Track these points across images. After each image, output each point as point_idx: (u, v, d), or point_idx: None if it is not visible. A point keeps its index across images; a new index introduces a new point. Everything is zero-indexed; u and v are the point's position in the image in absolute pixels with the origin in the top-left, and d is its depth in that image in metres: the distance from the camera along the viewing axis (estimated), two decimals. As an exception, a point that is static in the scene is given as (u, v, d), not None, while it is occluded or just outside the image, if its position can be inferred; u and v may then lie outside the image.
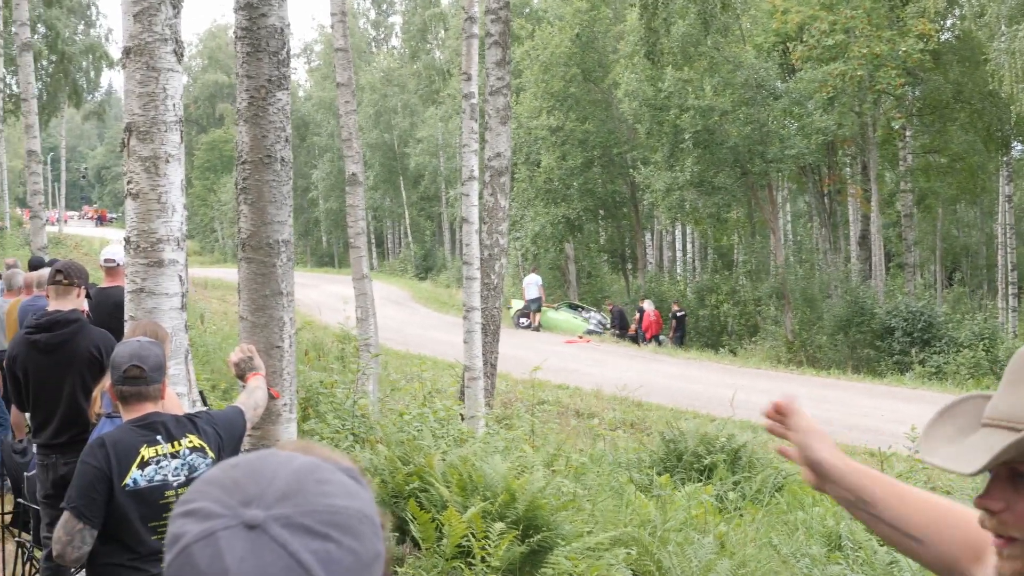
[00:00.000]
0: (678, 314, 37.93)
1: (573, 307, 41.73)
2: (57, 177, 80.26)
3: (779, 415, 2.40)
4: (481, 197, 16.42)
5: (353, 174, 15.10)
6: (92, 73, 54.41)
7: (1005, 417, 1.77)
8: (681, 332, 37.69)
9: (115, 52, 53.63)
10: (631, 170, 43.91)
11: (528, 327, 37.74)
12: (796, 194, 56.41)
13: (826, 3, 36.11)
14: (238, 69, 5.84)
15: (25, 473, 7.19)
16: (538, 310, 38.44)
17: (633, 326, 39.02)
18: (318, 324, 28.86)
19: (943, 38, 39.06)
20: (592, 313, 40.46)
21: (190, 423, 4.58)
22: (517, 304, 38.83)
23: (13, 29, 18.56)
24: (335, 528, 1.24)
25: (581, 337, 36.02)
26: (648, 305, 37.50)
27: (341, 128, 15.64)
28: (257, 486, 1.26)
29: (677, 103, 36.88)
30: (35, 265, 12.11)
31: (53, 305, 6.93)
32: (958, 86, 38.25)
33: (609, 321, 39.55)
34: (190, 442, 4.50)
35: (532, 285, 38.56)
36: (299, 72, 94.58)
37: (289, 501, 1.25)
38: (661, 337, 37.15)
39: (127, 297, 5.38)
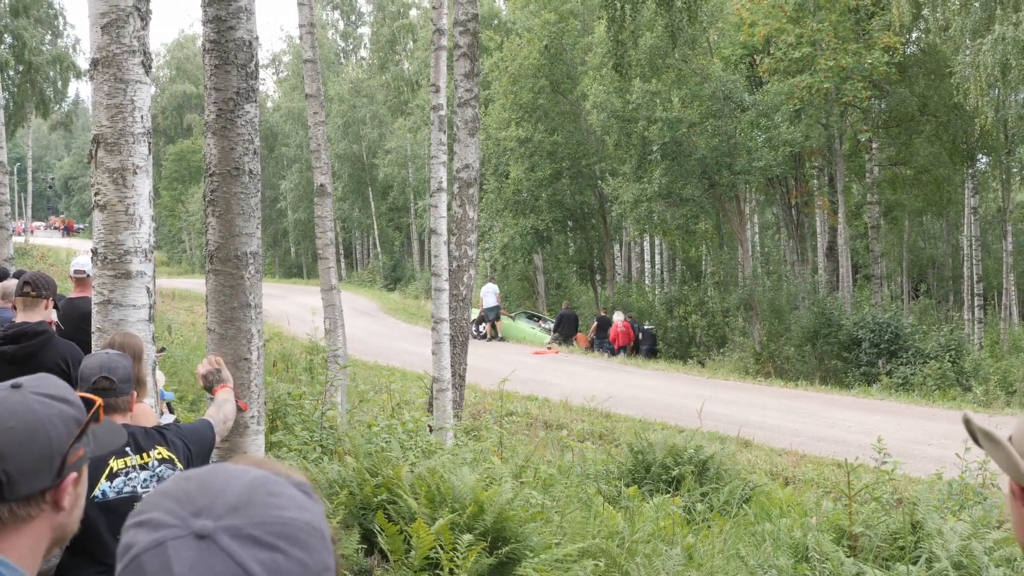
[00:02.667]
0: (645, 328, 38.09)
1: (531, 317, 41.71)
2: (23, 187, 79.85)
3: None
4: (450, 208, 16.43)
5: (322, 185, 15.09)
6: (59, 83, 54.05)
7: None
8: (636, 343, 37.73)
9: (82, 62, 53.40)
10: (599, 181, 44.00)
11: (482, 337, 37.65)
12: (764, 206, 56.62)
13: (793, 16, 36.26)
14: (206, 81, 5.83)
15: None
16: (497, 319, 38.37)
17: (581, 335, 39.09)
18: (286, 335, 28.79)
19: (909, 51, 39.28)
20: (549, 323, 40.44)
21: (159, 435, 4.57)
22: (473, 313, 38.60)
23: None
24: (284, 539, 1.27)
25: (549, 348, 36.03)
26: (618, 316, 37.52)
27: (310, 139, 15.62)
28: (208, 497, 1.29)
29: (645, 115, 36.96)
30: (0, 276, 12.04)
31: (21, 317, 6.91)
32: (924, 99, 38.47)
33: (554, 325, 39.41)
34: (159, 454, 4.49)
35: (489, 294, 38.46)
36: (267, 83, 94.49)
37: (239, 512, 1.27)
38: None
39: (94, 309, 5.37)
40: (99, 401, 2.51)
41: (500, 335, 38.09)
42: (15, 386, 2.24)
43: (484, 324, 37.95)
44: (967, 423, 1.92)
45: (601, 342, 37.20)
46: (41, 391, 2.27)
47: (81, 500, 2.42)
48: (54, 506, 2.29)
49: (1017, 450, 1.81)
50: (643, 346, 37.31)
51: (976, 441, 1.91)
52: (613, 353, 35.89)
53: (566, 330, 38.84)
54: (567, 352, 35.44)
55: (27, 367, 6.64)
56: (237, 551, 1.23)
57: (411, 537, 7.41)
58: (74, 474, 2.32)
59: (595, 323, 38.49)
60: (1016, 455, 1.80)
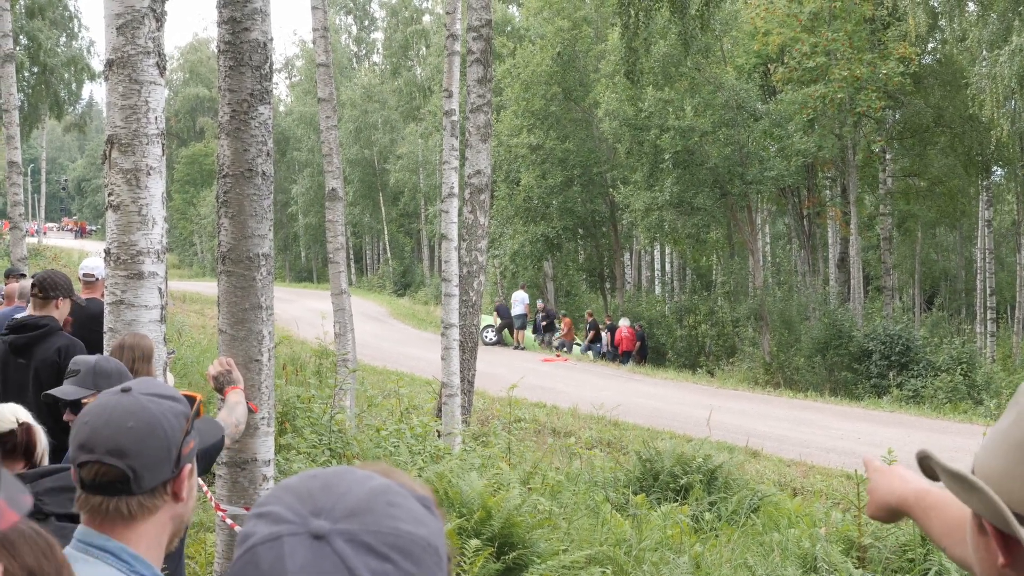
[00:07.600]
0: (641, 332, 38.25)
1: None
2: (37, 188, 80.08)
3: None
4: (461, 214, 16.42)
5: (333, 189, 15.09)
6: (73, 85, 54.25)
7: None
8: (643, 350, 37.85)
9: (97, 64, 53.56)
10: (611, 189, 43.87)
11: (496, 343, 37.77)
12: (776, 216, 56.56)
13: (807, 25, 36.20)
14: (220, 83, 5.84)
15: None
16: (522, 327, 38.35)
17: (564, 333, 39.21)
18: (296, 339, 28.78)
19: (924, 61, 39.19)
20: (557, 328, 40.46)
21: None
22: (486, 319, 38.47)
23: (-5, 40, 18.36)
24: (396, 551, 1.28)
25: (558, 355, 36.01)
26: (624, 322, 37.54)
27: (322, 143, 15.64)
28: (329, 499, 1.31)
29: (657, 123, 36.91)
30: (15, 276, 12.15)
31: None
32: (939, 110, 38.36)
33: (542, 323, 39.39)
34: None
35: (518, 303, 38.49)
36: (280, 87, 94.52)
37: (356, 518, 1.29)
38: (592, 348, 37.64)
39: (107, 309, 5.37)
40: (199, 396, 2.63)
41: (521, 344, 38.02)
42: (124, 390, 2.45)
43: (490, 331, 38.05)
44: (924, 459, 1.79)
45: (609, 351, 37.24)
46: (150, 391, 2.47)
47: (195, 491, 2.60)
48: (174, 497, 2.47)
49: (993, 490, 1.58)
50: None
51: (930, 477, 1.76)
52: (622, 361, 35.88)
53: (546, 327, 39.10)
54: (575, 360, 35.42)
55: (27, 355, 6.98)
56: (349, 555, 1.25)
57: (418, 542, 7.39)
58: (189, 465, 2.51)
59: (591, 332, 38.54)
60: (998, 500, 1.58)
